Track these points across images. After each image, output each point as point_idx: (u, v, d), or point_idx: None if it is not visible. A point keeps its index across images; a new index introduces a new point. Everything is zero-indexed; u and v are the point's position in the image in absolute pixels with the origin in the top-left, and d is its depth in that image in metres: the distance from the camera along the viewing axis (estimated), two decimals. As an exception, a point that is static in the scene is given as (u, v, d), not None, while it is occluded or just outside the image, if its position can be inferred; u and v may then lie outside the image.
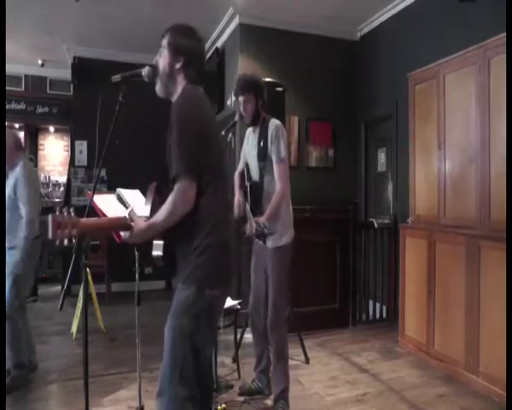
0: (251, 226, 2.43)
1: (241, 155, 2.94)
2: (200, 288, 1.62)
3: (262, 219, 2.43)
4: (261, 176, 2.65)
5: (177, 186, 1.58)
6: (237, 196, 2.77)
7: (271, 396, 2.81)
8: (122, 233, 1.69)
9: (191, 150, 1.60)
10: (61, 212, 1.44)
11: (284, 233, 2.65)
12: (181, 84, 1.77)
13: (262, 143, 2.63)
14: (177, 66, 1.76)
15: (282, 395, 2.66)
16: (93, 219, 1.66)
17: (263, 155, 2.62)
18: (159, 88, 1.80)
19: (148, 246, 1.71)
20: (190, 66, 1.77)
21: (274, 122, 2.67)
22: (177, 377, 1.59)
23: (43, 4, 4.63)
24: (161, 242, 1.68)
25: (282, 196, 2.58)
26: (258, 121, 2.71)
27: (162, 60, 1.78)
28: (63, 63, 6.30)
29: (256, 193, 2.65)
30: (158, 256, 1.68)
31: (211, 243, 1.64)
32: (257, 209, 2.60)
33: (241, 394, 2.90)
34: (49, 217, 1.42)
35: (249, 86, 2.68)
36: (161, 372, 1.65)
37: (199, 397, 1.63)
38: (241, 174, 2.82)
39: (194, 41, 1.81)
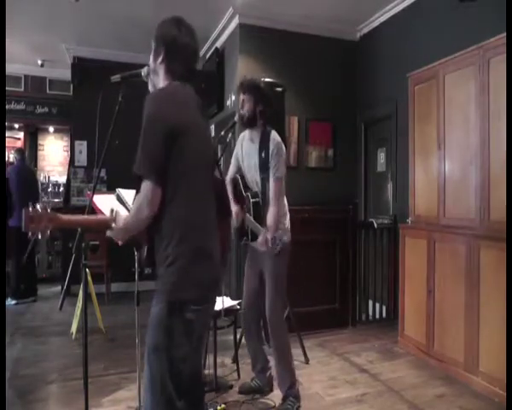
0: (264, 239, 2.58)
1: (233, 159, 2.92)
2: (170, 302, 1.52)
3: (270, 235, 2.57)
4: (263, 185, 2.68)
5: (142, 187, 1.50)
6: (233, 206, 2.74)
7: (273, 395, 2.83)
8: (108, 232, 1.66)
9: (154, 151, 1.51)
10: (33, 207, 1.44)
11: (282, 235, 2.68)
12: (164, 80, 1.64)
13: (264, 155, 2.64)
14: (159, 59, 1.64)
15: (290, 393, 2.68)
16: (72, 216, 1.60)
17: (265, 166, 2.65)
18: (149, 87, 1.74)
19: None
20: (173, 59, 1.62)
21: (275, 138, 2.67)
22: (158, 394, 1.52)
23: (42, 4, 4.63)
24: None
25: (276, 215, 2.63)
26: (254, 125, 2.71)
27: (151, 56, 1.69)
28: (63, 63, 6.30)
29: (258, 203, 2.68)
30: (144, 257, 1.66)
31: (182, 252, 1.53)
32: (260, 219, 2.66)
33: (241, 392, 2.90)
34: (23, 211, 1.42)
35: (250, 88, 2.70)
36: (143, 390, 1.58)
37: None
38: (234, 180, 2.81)
39: (177, 31, 1.63)
